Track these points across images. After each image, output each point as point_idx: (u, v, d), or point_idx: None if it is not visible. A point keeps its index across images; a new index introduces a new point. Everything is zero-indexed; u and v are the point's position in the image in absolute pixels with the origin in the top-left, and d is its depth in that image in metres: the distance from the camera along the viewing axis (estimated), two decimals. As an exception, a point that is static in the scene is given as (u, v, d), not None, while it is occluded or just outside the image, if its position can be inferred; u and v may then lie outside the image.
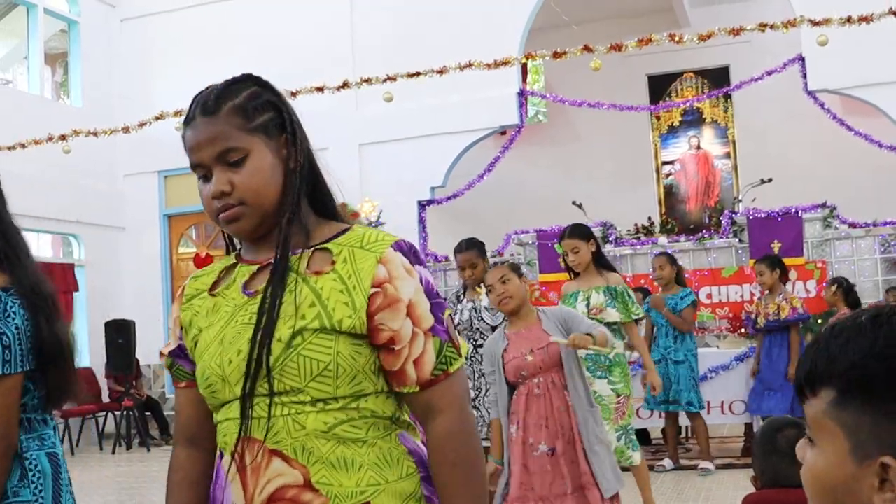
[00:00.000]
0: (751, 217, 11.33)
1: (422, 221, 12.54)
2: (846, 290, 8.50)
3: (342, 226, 1.76)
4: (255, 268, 1.74)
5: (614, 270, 6.28)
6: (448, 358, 1.66)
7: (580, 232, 6.06)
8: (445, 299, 1.90)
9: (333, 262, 1.67)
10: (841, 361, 1.01)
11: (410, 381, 1.65)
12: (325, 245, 1.70)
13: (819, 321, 10.31)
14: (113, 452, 11.73)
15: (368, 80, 11.92)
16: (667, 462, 8.08)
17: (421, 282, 1.67)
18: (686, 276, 9.31)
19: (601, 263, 6.13)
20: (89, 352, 13.25)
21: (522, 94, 12.38)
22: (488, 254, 6.38)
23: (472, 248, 6.19)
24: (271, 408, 1.61)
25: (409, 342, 1.64)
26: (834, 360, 1.02)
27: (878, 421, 0.97)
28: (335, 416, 1.61)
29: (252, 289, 1.71)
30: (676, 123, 15.82)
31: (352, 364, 1.62)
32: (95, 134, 12.25)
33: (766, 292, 8.27)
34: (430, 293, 1.68)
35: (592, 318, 5.23)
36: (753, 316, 8.40)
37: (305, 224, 1.72)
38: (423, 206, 12.60)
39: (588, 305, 5.93)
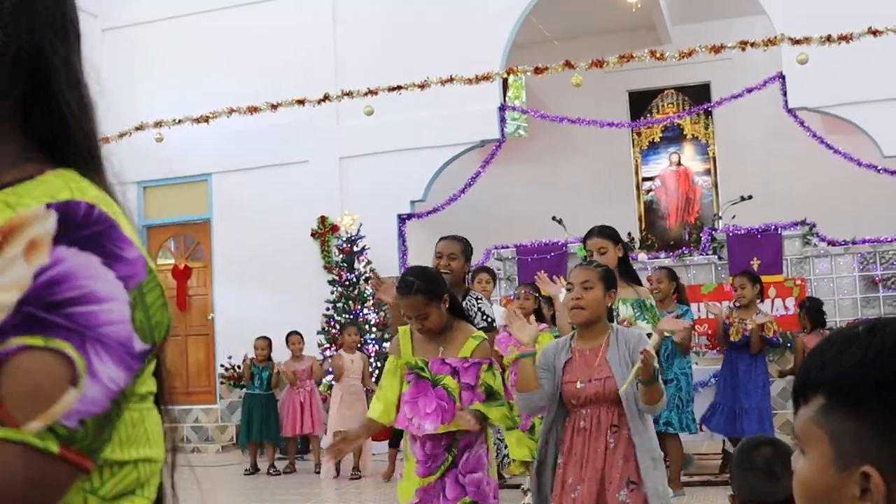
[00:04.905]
0: (730, 234, 11.37)
1: (402, 235, 12.51)
2: (809, 309, 8.68)
3: (35, 170, 1.14)
4: None
5: (640, 284, 5.70)
6: None
7: (610, 232, 5.54)
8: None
9: None
10: (831, 368, 1.01)
11: None
12: None
13: (787, 342, 10.35)
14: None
15: (350, 94, 11.93)
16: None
17: (40, 273, 0.99)
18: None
19: (629, 273, 5.55)
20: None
21: (503, 109, 12.39)
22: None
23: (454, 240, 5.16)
24: None
25: None
26: (825, 367, 1.02)
27: (861, 430, 0.97)
28: None
29: None
30: (657, 140, 15.86)
31: None
32: (74, 144, 12.17)
33: (741, 307, 8.25)
34: (40, 297, 0.98)
35: None
36: (727, 325, 8.25)
37: None
38: (403, 219, 12.57)
39: (617, 317, 5.14)
